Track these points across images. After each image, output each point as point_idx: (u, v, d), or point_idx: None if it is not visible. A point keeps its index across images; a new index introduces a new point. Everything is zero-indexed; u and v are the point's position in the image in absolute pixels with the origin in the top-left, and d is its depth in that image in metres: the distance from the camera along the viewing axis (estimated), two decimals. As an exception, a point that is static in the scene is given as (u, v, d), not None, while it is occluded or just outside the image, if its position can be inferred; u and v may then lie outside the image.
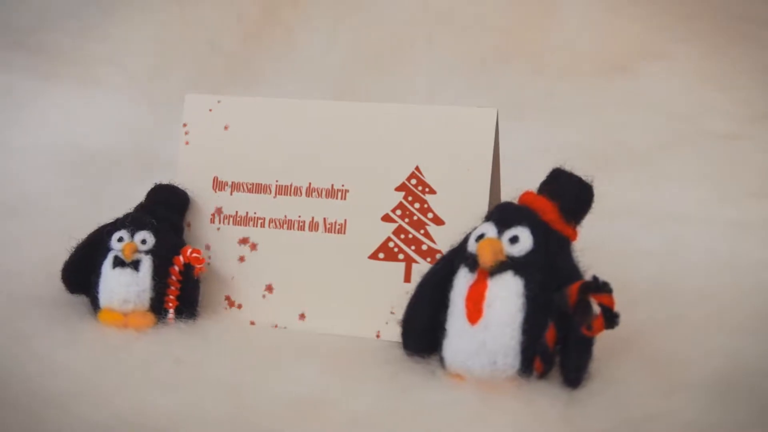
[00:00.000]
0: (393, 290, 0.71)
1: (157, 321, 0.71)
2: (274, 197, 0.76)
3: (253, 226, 0.76)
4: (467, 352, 0.60)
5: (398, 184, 0.73)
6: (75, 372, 0.60)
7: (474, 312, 0.60)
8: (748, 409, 0.56)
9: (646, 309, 0.76)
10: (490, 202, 0.71)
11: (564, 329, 0.58)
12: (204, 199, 0.78)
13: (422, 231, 0.72)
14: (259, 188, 0.77)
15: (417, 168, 0.73)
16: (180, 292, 0.72)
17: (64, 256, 0.75)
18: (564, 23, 1.25)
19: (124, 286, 0.70)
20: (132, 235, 0.72)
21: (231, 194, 0.78)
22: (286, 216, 0.76)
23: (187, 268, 0.72)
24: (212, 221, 0.78)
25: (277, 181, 0.76)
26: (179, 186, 0.77)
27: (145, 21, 1.35)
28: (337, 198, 0.75)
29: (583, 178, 0.65)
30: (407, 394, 0.59)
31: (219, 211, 0.78)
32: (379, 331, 0.72)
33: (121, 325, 0.70)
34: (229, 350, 0.66)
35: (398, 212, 0.73)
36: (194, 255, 0.72)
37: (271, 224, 0.76)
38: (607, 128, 1.17)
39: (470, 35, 1.28)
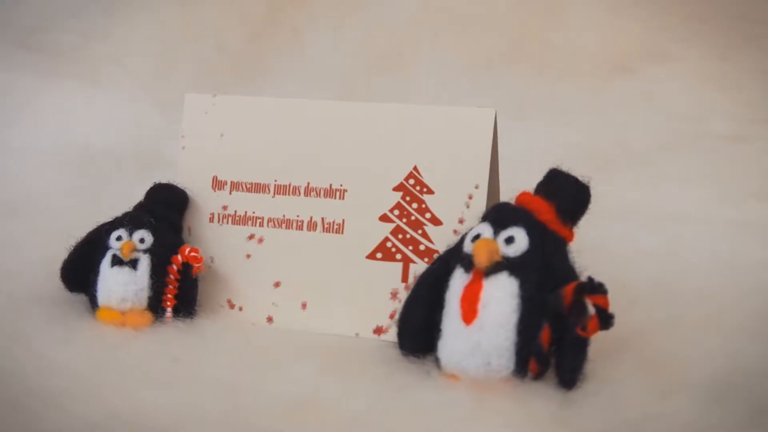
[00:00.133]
0: (390, 290, 0.71)
1: (155, 320, 0.71)
2: (273, 197, 0.77)
3: (252, 225, 0.77)
4: (462, 353, 0.60)
5: (396, 184, 0.73)
6: (72, 370, 0.60)
7: (469, 312, 0.60)
8: (746, 410, 0.56)
9: (645, 309, 0.76)
10: (489, 203, 0.71)
11: (559, 330, 0.58)
12: (203, 198, 0.78)
13: (420, 231, 0.72)
14: (258, 188, 0.77)
15: (415, 168, 0.73)
16: (178, 291, 0.72)
17: (63, 255, 0.75)
18: (566, 24, 1.24)
19: (122, 285, 0.70)
20: (130, 234, 0.72)
21: (230, 194, 0.78)
22: (284, 216, 0.76)
23: (186, 267, 0.73)
24: (211, 221, 0.78)
25: (275, 180, 0.77)
26: (178, 185, 0.78)
27: (148, 20, 1.35)
28: (335, 198, 0.75)
29: (580, 178, 0.65)
30: (402, 394, 0.59)
31: (218, 210, 0.78)
32: (375, 330, 0.72)
33: (119, 324, 0.70)
34: (227, 349, 0.66)
35: (396, 212, 0.73)
36: (192, 254, 0.72)
37: (269, 224, 0.76)
38: (609, 128, 1.17)
39: (474, 36, 1.29)
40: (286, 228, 0.76)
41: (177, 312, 0.72)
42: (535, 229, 0.62)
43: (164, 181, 0.78)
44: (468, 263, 0.61)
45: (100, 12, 1.32)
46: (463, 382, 0.60)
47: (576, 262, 0.63)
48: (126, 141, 1.23)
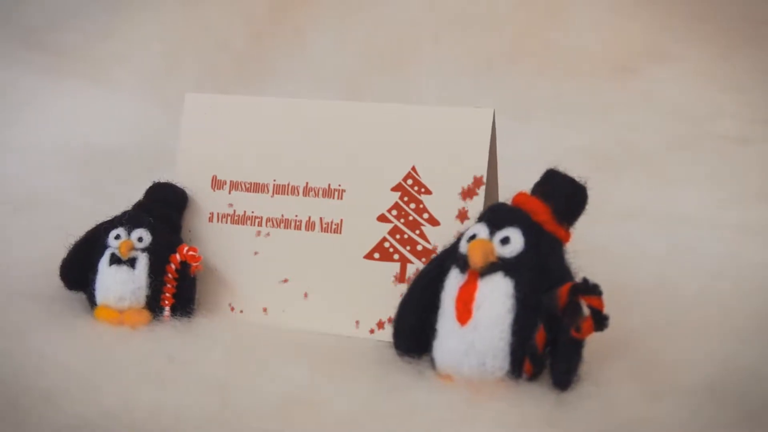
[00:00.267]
0: (387, 290, 0.71)
1: (153, 318, 0.71)
2: (272, 196, 0.77)
3: (251, 225, 0.77)
4: (456, 353, 0.60)
5: (394, 184, 0.73)
6: (68, 368, 0.60)
7: (464, 313, 0.60)
8: (738, 414, 0.56)
9: (644, 311, 0.75)
10: (487, 203, 0.71)
11: (554, 331, 0.58)
12: (203, 198, 0.79)
13: (417, 231, 0.72)
14: (257, 187, 0.77)
15: (413, 168, 0.73)
16: (176, 290, 0.72)
17: (63, 253, 0.75)
18: (571, 24, 1.24)
19: (120, 284, 0.71)
20: (129, 233, 0.72)
21: (229, 193, 0.78)
22: (283, 215, 0.76)
23: (184, 266, 0.73)
24: (210, 220, 0.78)
25: (274, 180, 0.77)
26: (178, 185, 0.78)
27: (154, 20, 1.36)
28: (333, 198, 0.75)
29: (577, 179, 0.64)
30: (396, 394, 0.59)
31: (217, 210, 0.78)
32: (372, 330, 0.72)
33: (117, 322, 0.70)
34: (223, 348, 0.66)
35: (394, 212, 0.73)
36: (190, 253, 0.73)
37: (268, 223, 0.76)
38: (611, 129, 1.17)
39: (476, 36, 1.29)
40: (284, 228, 0.76)
41: (175, 311, 0.72)
42: (530, 229, 0.62)
43: (164, 180, 0.78)
44: (463, 263, 0.61)
45: (104, 11, 1.33)
46: (457, 382, 0.60)
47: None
48: (129, 140, 1.24)
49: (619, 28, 1.20)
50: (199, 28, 1.34)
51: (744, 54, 1.11)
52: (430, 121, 0.73)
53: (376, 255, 0.73)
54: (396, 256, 0.72)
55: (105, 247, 0.72)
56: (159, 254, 0.72)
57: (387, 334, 0.67)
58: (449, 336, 0.60)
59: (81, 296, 0.75)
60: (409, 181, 0.73)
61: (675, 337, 0.69)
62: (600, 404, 0.57)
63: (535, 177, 0.66)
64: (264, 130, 0.78)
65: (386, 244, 0.73)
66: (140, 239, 0.72)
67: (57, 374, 0.59)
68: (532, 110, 1.19)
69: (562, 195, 0.63)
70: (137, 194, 0.79)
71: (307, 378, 0.61)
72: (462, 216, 0.71)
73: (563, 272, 0.60)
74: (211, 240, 0.78)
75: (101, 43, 1.29)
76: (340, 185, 0.75)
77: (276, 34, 1.33)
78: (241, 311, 0.75)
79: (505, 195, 0.67)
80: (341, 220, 0.74)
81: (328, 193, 0.75)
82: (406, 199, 0.73)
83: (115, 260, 0.71)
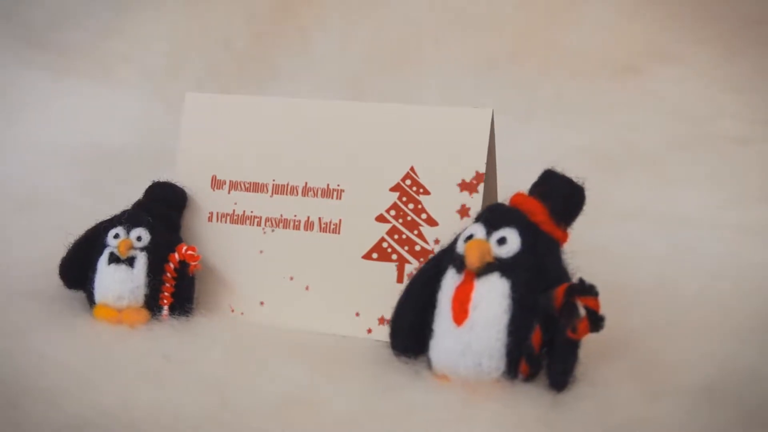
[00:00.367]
0: (386, 290, 0.71)
1: (152, 317, 0.72)
2: (271, 196, 0.77)
3: (250, 225, 0.77)
4: (453, 353, 0.59)
5: (393, 184, 0.73)
6: (65, 366, 0.61)
7: (460, 313, 0.60)
8: (735, 415, 0.56)
9: (644, 312, 0.75)
10: (486, 203, 0.71)
11: (550, 332, 0.58)
12: (202, 197, 0.79)
13: (416, 232, 0.72)
14: (256, 187, 0.77)
15: (412, 168, 0.73)
16: (175, 289, 0.73)
17: (64, 252, 0.76)
18: (574, 24, 1.24)
19: (118, 283, 0.71)
20: (128, 232, 0.72)
21: (229, 193, 0.78)
22: (282, 215, 0.76)
23: (182, 266, 0.73)
24: (210, 220, 0.78)
25: (274, 180, 0.77)
26: (177, 184, 0.78)
27: (160, 19, 1.36)
28: (332, 198, 0.75)
29: (575, 179, 0.64)
30: (392, 394, 0.59)
31: (216, 209, 0.78)
32: (370, 330, 0.72)
33: (116, 321, 0.71)
34: (220, 348, 0.66)
35: (392, 212, 0.73)
36: (189, 252, 0.73)
37: (267, 223, 0.77)
38: (615, 130, 1.17)
39: (480, 36, 1.28)
40: (283, 228, 0.76)
41: (173, 310, 0.72)
42: (527, 230, 0.61)
43: (164, 179, 0.78)
44: (460, 264, 0.61)
45: (115, 11, 1.33)
46: (453, 382, 0.59)
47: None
48: (131, 139, 1.24)
49: (621, 29, 1.20)
50: (202, 28, 1.34)
51: (745, 55, 1.10)
52: (428, 121, 0.73)
53: (375, 255, 0.73)
54: (394, 257, 0.73)
55: (104, 246, 0.73)
56: (158, 253, 0.72)
57: (384, 333, 0.67)
58: (445, 336, 0.60)
59: (81, 295, 0.75)
60: (408, 182, 0.73)
61: (674, 338, 0.69)
62: (596, 405, 0.57)
63: (536, 177, 0.66)
64: (263, 129, 0.78)
65: (384, 245, 0.73)
66: (139, 238, 0.72)
67: (55, 373, 0.60)
68: (533, 110, 1.19)
69: (560, 195, 0.63)
70: (139, 194, 0.79)
71: (304, 377, 0.61)
72: (461, 215, 0.71)
73: (560, 273, 0.60)
74: (211, 240, 0.78)
75: (104, 42, 1.30)
76: (338, 185, 0.75)
77: (279, 34, 1.33)
78: (242, 313, 0.75)
79: (506, 195, 0.67)
80: (340, 220, 0.74)
81: (327, 193, 0.75)
82: (404, 199, 0.73)
83: (113, 259, 0.72)
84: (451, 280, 0.62)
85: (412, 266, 0.72)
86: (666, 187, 1.09)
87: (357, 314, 0.72)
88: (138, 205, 0.76)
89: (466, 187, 0.71)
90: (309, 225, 0.75)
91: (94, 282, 0.72)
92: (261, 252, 0.76)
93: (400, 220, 0.73)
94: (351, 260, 0.73)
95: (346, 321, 0.73)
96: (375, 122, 0.75)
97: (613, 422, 0.55)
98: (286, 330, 0.72)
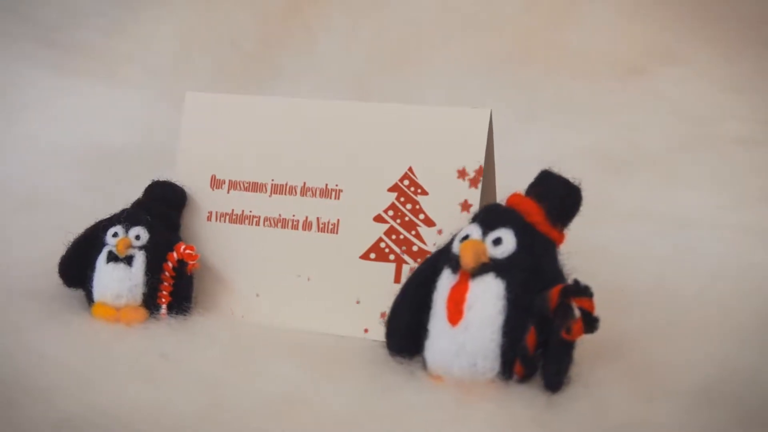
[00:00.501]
0: (383, 290, 0.71)
1: (150, 316, 0.72)
2: (270, 196, 0.77)
3: (249, 224, 0.77)
4: (447, 354, 0.59)
5: (391, 184, 0.73)
6: (61, 364, 0.61)
7: (455, 313, 0.60)
8: (732, 416, 0.55)
9: (642, 313, 0.75)
10: (484, 203, 0.71)
11: (545, 333, 0.58)
12: (202, 197, 0.79)
13: (413, 232, 0.72)
14: (255, 187, 0.78)
15: (410, 169, 0.73)
16: (173, 288, 0.73)
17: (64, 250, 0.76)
18: (580, 25, 1.24)
19: (117, 281, 0.71)
20: (126, 231, 0.73)
21: (228, 192, 0.78)
22: (280, 215, 0.76)
23: (181, 265, 0.73)
24: (209, 219, 0.79)
25: (273, 180, 0.77)
26: (177, 183, 0.78)
27: (168, 19, 1.36)
28: (330, 198, 0.75)
29: (571, 180, 0.64)
30: (386, 394, 0.59)
31: (216, 209, 0.78)
32: (367, 329, 0.72)
33: (114, 320, 0.71)
34: (217, 347, 0.67)
35: (390, 213, 0.73)
36: (187, 251, 0.73)
37: (266, 223, 0.77)
38: (620, 131, 1.16)
39: (486, 36, 1.28)
40: (282, 227, 0.76)
41: (171, 309, 0.73)
42: (523, 230, 0.61)
43: (163, 178, 0.79)
44: (455, 264, 0.61)
45: (123, 10, 1.33)
46: (448, 383, 0.59)
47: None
48: (139, 138, 1.24)
49: (624, 29, 1.19)
50: (209, 28, 1.34)
51: (750, 55, 1.09)
52: (427, 121, 0.73)
53: (372, 255, 0.73)
54: (392, 257, 0.72)
55: (103, 244, 0.73)
56: (156, 252, 0.73)
57: (381, 333, 0.67)
58: (440, 336, 0.60)
59: (80, 294, 0.75)
60: (406, 182, 0.73)
61: (672, 339, 0.69)
62: (591, 406, 0.57)
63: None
64: (263, 129, 0.78)
65: (382, 245, 0.73)
66: (138, 237, 0.73)
67: (51, 371, 0.60)
68: (536, 111, 1.19)
69: (556, 196, 0.63)
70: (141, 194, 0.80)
71: (300, 377, 0.61)
72: (459, 215, 0.71)
73: (555, 273, 0.60)
74: (210, 239, 0.78)
75: (110, 41, 1.30)
76: (337, 185, 0.75)
77: (285, 34, 1.33)
78: (242, 316, 0.76)
79: (507, 195, 0.66)
80: (338, 220, 0.75)
81: (326, 193, 0.75)
82: (402, 199, 0.73)
83: (112, 258, 0.72)
84: (446, 281, 0.62)
85: (410, 266, 0.71)
86: (668, 188, 1.08)
87: (354, 314, 0.72)
88: (137, 204, 0.77)
89: (464, 187, 0.71)
90: (307, 225, 0.75)
91: (92, 280, 0.72)
92: (260, 252, 0.76)
93: (398, 221, 0.73)
94: (349, 260, 0.73)
95: (343, 321, 0.73)
96: (374, 122, 0.75)
97: (608, 424, 0.55)
98: (283, 329, 0.72)
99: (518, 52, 1.26)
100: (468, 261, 0.60)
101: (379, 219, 0.73)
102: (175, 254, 0.73)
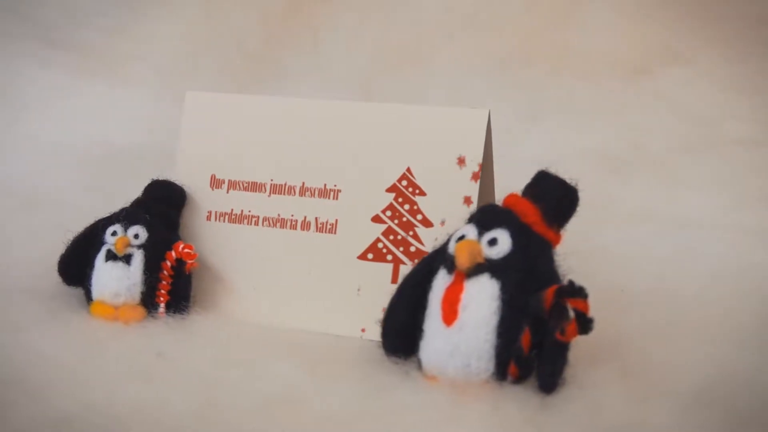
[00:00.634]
0: (380, 290, 0.71)
1: (148, 315, 0.72)
2: (269, 196, 0.77)
3: (248, 224, 0.77)
4: (442, 354, 0.59)
5: (389, 185, 0.74)
6: (57, 362, 0.61)
7: (449, 313, 0.60)
8: (724, 419, 0.55)
9: (641, 314, 0.74)
10: (481, 204, 0.71)
11: (539, 334, 0.58)
12: (201, 196, 0.79)
13: (411, 233, 0.72)
14: (254, 187, 0.78)
15: (408, 169, 0.73)
16: (171, 287, 0.73)
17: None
18: (585, 26, 1.24)
19: (115, 280, 0.71)
20: (125, 230, 0.73)
21: (227, 192, 0.79)
22: (279, 215, 0.77)
23: (179, 264, 0.73)
24: (208, 219, 0.79)
25: (272, 180, 0.77)
26: (176, 182, 0.79)
27: (170, 18, 1.37)
28: (329, 198, 0.75)
29: (568, 181, 0.64)
30: (379, 394, 0.59)
31: (215, 208, 0.79)
32: (364, 329, 0.72)
33: (112, 318, 0.71)
34: (213, 346, 0.67)
35: (388, 213, 0.73)
36: (186, 251, 0.73)
37: (265, 223, 0.77)
38: (626, 131, 1.16)
39: (491, 37, 1.28)
40: (280, 227, 0.76)
41: (170, 308, 0.73)
42: (519, 231, 0.61)
43: (163, 178, 0.79)
44: (451, 264, 0.61)
45: (121, 9, 1.34)
46: (442, 383, 0.59)
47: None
48: (143, 138, 1.24)
49: (631, 30, 1.19)
50: (214, 28, 1.34)
51: (756, 56, 1.09)
52: (425, 122, 0.73)
53: (370, 255, 0.73)
54: (389, 257, 0.73)
55: (102, 243, 0.73)
56: (155, 251, 0.73)
57: (378, 333, 0.67)
58: (435, 337, 0.60)
59: (79, 292, 0.75)
60: (404, 182, 0.73)
61: (668, 341, 0.68)
62: (584, 408, 0.56)
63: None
64: (263, 129, 0.78)
65: (380, 245, 0.73)
66: (136, 236, 0.73)
67: (44, 368, 0.60)
68: (540, 111, 1.19)
69: (553, 197, 0.63)
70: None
71: (295, 377, 0.61)
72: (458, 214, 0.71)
73: (550, 274, 0.60)
74: (209, 238, 0.78)
75: (113, 40, 1.31)
76: (335, 185, 0.75)
77: (290, 35, 1.34)
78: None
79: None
80: (336, 221, 0.75)
81: (324, 193, 0.75)
82: (400, 200, 0.73)
83: (111, 256, 0.72)
84: (441, 281, 0.61)
85: (407, 267, 0.71)
86: (673, 189, 1.08)
87: (351, 314, 0.72)
88: (137, 203, 0.77)
89: (463, 187, 0.71)
90: (306, 225, 0.75)
91: (91, 279, 0.73)
92: (258, 252, 0.76)
93: (396, 221, 0.73)
94: (346, 260, 0.73)
95: (340, 320, 0.73)
96: (372, 122, 0.75)
97: (602, 425, 0.55)
98: (281, 329, 0.73)
99: (521, 53, 1.26)
100: (463, 261, 0.60)
101: (377, 219, 0.73)
102: (173, 253, 0.73)
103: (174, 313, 0.73)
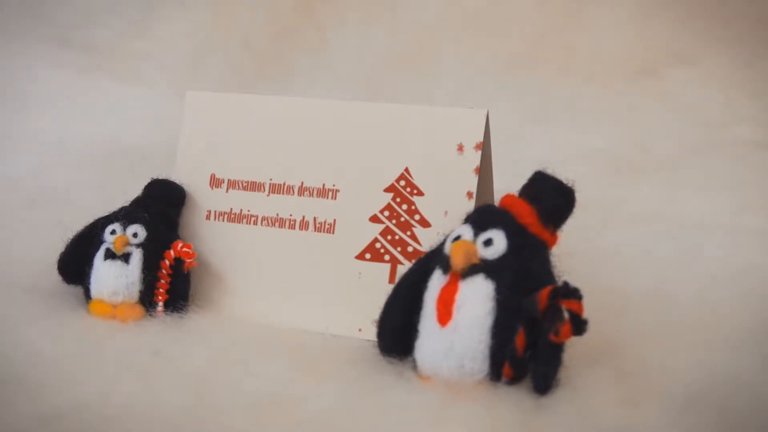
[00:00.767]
0: (378, 290, 0.71)
1: (146, 313, 0.72)
2: (268, 196, 0.77)
3: (247, 223, 0.78)
4: (436, 354, 0.59)
5: (387, 185, 0.74)
6: (52, 360, 0.61)
7: (444, 314, 0.59)
8: (719, 422, 0.55)
9: (639, 317, 0.74)
10: (479, 204, 0.71)
11: (534, 335, 0.58)
12: (201, 196, 0.80)
13: (409, 233, 0.72)
14: (254, 186, 0.78)
15: (406, 169, 0.73)
16: (170, 286, 0.73)
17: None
18: (591, 27, 1.23)
19: (113, 278, 0.72)
20: (124, 229, 0.73)
21: (227, 191, 0.79)
22: (278, 214, 0.77)
23: (178, 262, 0.74)
24: (208, 218, 0.79)
25: (271, 179, 0.77)
26: (176, 181, 0.79)
27: (180, 19, 1.37)
28: (327, 198, 0.75)
29: (565, 182, 0.64)
30: (373, 394, 0.58)
31: (215, 208, 0.79)
32: (361, 329, 0.72)
33: (110, 317, 0.71)
34: (210, 344, 0.67)
35: (386, 213, 0.73)
36: (185, 250, 0.73)
37: (263, 222, 0.77)
38: (632, 133, 1.16)
39: (498, 38, 1.28)
40: (279, 227, 0.76)
41: (168, 306, 0.73)
42: (515, 231, 0.61)
43: (163, 176, 0.79)
44: (446, 264, 0.61)
45: (131, 10, 1.35)
46: (436, 383, 0.59)
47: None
48: (151, 137, 1.25)
49: (639, 32, 1.18)
50: (223, 27, 1.35)
51: (763, 58, 1.08)
52: (424, 122, 0.73)
53: (368, 255, 0.73)
54: (387, 257, 0.73)
55: (101, 241, 0.74)
56: (153, 250, 0.73)
57: (373, 334, 0.67)
58: (430, 337, 0.60)
59: (79, 290, 0.76)
60: (402, 183, 0.73)
61: (665, 344, 0.67)
62: (578, 410, 0.56)
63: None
64: (262, 128, 0.78)
65: (377, 245, 0.73)
66: (135, 235, 0.73)
67: (39, 366, 0.60)
68: (547, 112, 1.18)
69: (549, 198, 0.62)
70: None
71: (291, 376, 0.61)
72: (455, 215, 0.71)
73: (545, 275, 0.60)
74: (208, 238, 0.78)
75: (123, 40, 1.31)
76: (334, 185, 0.75)
77: (298, 34, 1.34)
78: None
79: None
80: (334, 220, 0.75)
81: (323, 193, 0.75)
82: (398, 200, 0.73)
83: (109, 255, 0.73)
84: (437, 281, 0.61)
85: (405, 267, 0.71)
86: (680, 192, 1.07)
87: (349, 314, 0.72)
88: (136, 202, 0.77)
89: (461, 187, 0.71)
90: (304, 225, 0.76)
91: (90, 277, 0.73)
92: (257, 251, 0.76)
93: (394, 221, 0.73)
94: (344, 260, 0.73)
95: (338, 320, 0.73)
96: (371, 122, 0.75)
97: (596, 427, 0.55)
98: (278, 329, 0.73)
99: (528, 54, 1.25)
100: (458, 262, 0.60)
101: (374, 219, 0.73)
102: (172, 252, 0.73)
103: (172, 312, 0.73)
